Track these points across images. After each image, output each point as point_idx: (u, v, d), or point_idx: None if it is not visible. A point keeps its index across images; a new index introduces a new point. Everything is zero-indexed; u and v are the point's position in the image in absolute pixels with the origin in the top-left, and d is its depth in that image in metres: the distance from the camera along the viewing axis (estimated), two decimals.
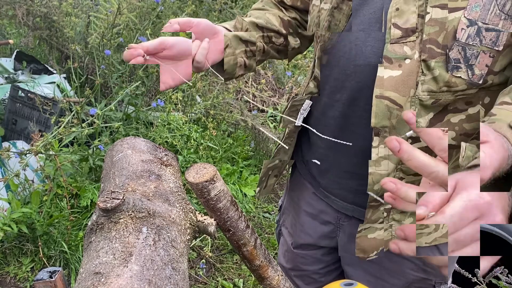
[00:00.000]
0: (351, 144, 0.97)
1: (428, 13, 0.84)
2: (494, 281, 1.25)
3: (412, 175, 0.93)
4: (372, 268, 1.11)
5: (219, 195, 0.83)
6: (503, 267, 1.21)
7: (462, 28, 0.82)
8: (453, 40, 0.83)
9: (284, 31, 1.13)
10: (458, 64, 0.84)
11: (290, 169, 1.31)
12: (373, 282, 1.11)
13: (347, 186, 1.07)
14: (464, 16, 0.82)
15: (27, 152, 2.00)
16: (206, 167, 0.85)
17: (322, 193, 1.15)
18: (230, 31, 1.04)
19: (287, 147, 1.16)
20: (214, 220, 0.87)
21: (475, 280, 1.20)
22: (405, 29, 0.86)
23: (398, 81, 0.87)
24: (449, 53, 0.84)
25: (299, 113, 1.09)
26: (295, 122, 1.10)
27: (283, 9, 1.17)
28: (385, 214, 0.98)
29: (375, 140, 0.92)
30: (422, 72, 0.87)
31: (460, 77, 0.85)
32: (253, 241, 0.91)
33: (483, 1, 0.82)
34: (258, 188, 1.25)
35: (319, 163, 1.12)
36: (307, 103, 1.07)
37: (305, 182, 1.21)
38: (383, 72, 0.88)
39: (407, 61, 0.87)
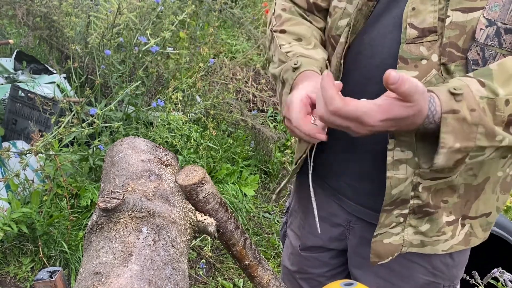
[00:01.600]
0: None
1: (449, 16, 0.82)
2: (492, 282, 1.25)
3: (429, 180, 0.92)
4: (382, 272, 1.10)
5: (208, 197, 0.86)
6: (500, 268, 1.21)
7: (481, 29, 0.81)
8: (472, 40, 0.82)
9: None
10: (478, 66, 0.83)
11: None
12: (382, 286, 1.11)
13: (360, 189, 1.05)
14: (483, 16, 0.81)
15: (27, 152, 2.00)
16: (196, 169, 0.87)
17: (334, 195, 1.13)
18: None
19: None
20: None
21: (474, 282, 1.20)
22: (421, 29, 0.84)
23: None
24: (468, 55, 0.82)
25: None
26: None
27: (312, 20, 1.10)
28: (401, 219, 0.96)
29: (391, 143, 0.89)
30: (442, 75, 0.85)
31: None
32: (243, 241, 0.93)
33: (503, 0, 0.80)
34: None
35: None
36: None
37: (314, 184, 1.17)
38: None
39: (424, 61, 0.85)
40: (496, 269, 1.21)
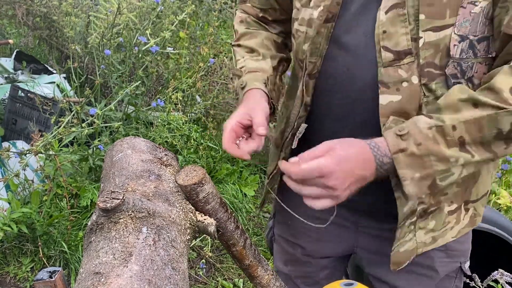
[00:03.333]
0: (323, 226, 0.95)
1: (421, 37, 0.83)
2: (492, 284, 1.25)
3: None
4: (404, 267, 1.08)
5: (207, 197, 0.85)
6: (501, 270, 1.21)
7: (455, 44, 0.83)
8: (448, 57, 0.84)
9: (284, 55, 1.15)
10: (457, 80, 0.85)
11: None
12: (406, 278, 1.10)
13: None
14: (455, 33, 0.82)
15: (27, 152, 2.00)
16: (196, 169, 0.86)
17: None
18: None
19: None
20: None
21: (473, 284, 1.20)
22: (396, 52, 0.85)
23: (399, 105, 0.86)
24: (446, 71, 0.85)
25: (294, 137, 1.06)
26: (291, 146, 1.08)
27: (266, 26, 1.17)
28: (412, 227, 0.98)
29: None
30: (424, 94, 0.86)
31: None
32: (243, 241, 0.93)
33: (472, 15, 0.81)
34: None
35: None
36: (303, 126, 1.03)
37: None
38: (383, 98, 0.87)
39: (404, 84, 0.86)
40: (496, 272, 1.21)
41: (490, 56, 0.84)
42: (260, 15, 1.16)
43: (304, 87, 1.00)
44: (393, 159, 0.80)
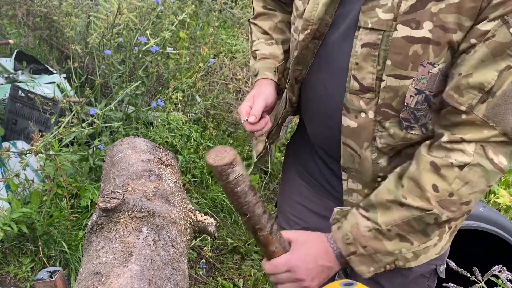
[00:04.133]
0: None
1: (384, 80, 0.89)
2: (492, 279, 1.25)
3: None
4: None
5: (238, 179, 0.83)
6: (501, 265, 1.21)
7: (411, 95, 0.88)
8: (402, 104, 0.89)
9: None
10: (410, 124, 0.91)
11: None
12: (382, 273, 1.12)
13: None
14: (412, 86, 0.87)
15: (27, 152, 2.00)
16: (227, 150, 0.84)
17: (321, 185, 1.18)
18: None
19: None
20: (234, 203, 0.87)
21: (474, 278, 1.20)
22: (362, 85, 0.91)
23: (354, 132, 0.95)
24: (401, 115, 0.90)
25: (281, 129, 1.21)
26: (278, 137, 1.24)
27: (283, 5, 1.20)
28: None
29: (344, 175, 1.04)
30: (378, 130, 0.94)
31: (415, 133, 0.92)
32: (269, 227, 0.92)
33: (429, 74, 0.85)
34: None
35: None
36: (290, 118, 1.15)
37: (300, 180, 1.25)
38: (344, 120, 0.96)
39: (362, 114, 0.93)
40: (497, 266, 1.21)
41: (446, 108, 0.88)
42: None
43: (290, 86, 1.09)
44: (348, 261, 0.95)
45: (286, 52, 1.17)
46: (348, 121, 0.95)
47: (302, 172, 1.23)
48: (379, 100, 0.90)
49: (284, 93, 1.14)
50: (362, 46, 0.89)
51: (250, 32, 1.23)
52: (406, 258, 1.04)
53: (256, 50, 1.18)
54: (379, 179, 0.99)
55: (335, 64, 0.97)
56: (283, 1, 1.19)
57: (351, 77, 0.92)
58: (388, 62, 0.87)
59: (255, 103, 1.07)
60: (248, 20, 1.25)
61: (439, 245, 1.06)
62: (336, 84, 0.97)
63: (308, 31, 0.98)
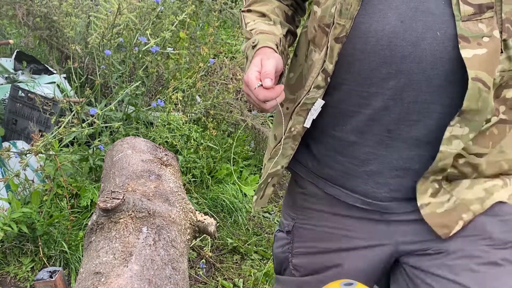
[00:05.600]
0: None
1: None
2: None
3: (473, 155, 0.93)
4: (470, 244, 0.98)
5: None
6: None
7: None
8: None
9: (292, 28, 1.11)
10: None
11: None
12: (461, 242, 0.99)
13: (397, 185, 0.98)
14: None
15: (27, 152, 2.01)
16: None
17: (365, 202, 1.02)
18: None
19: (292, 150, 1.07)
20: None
21: None
22: (477, 5, 0.82)
23: (484, 60, 0.82)
24: None
25: (308, 113, 0.99)
26: (303, 123, 1.00)
27: None
28: (436, 185, 0.96)
29: (455, 120, 0.87)
30: (501, 51, 0.84)
31: None
32: None
33: None
34: (255, 197, 1.16)
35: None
36: (319, 102, 0.97)
37: (329, 198, 1.07)
38: (466, 52, 0.82)
39: (485, 39, 0.83)
40: None
41: None
42: None
43: (327, 51, 0.92)
44: None
45: (285, 36, 1.06)
46: (471, 52, 0.82)
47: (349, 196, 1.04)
48: (502, 15, 0.82)
49: (314, 65, 0.97)
50: None
51: (243, 19, 1.12)
52: None
53: (252, 30, 1.05)
54: (489, 121, 0.90)
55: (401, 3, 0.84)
56: None
57: (460, 1, 0.82)
58: None
59: (265, 65, 0.92)
60: (240, 9, 1.16)
61: (504, 190, 0.98)
62: (428, 17, 0.84)
63: None
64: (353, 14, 0.89)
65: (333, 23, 0.90)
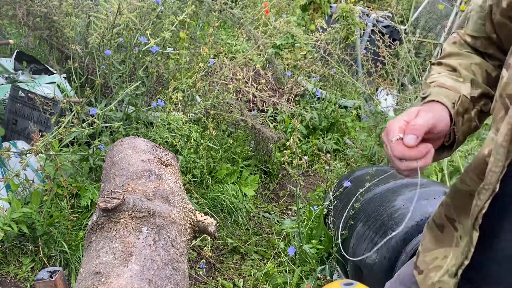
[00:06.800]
0: None
1: None
2: None
3: None
4: None
5: None
6: None
7: None
8: None
9: (491, 92, 0.89)
10: None
11: None
12: None
13: None
14: None
15: (27, 152, 2.01)
16: None
17: None
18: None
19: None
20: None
21: None
22: None
23: None
24: None
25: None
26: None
27: (482, 55, 0.95)
28: None
29: None
30: None
31: None
32: None
33: None
34: None
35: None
36: None
37: None
38: None
39: None
40: None
41: None
42: (471, 42, 0.95)
43: (502, 130, 0.73)
44: None
45: (474, 99, 0.87)
46: None
47: None
48: None
49: (495, 145, 0.75)
50: None
51: (428, 71, 0.96)
52: None
53: (431, 82, 0.90)
54: None
55: None
56: (480, 50, 0.94)
57: None
58: None
59: (419, 117, 0.77)
60: (430, 61, 0.99)
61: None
62: None
63: None
64: None
65: None
